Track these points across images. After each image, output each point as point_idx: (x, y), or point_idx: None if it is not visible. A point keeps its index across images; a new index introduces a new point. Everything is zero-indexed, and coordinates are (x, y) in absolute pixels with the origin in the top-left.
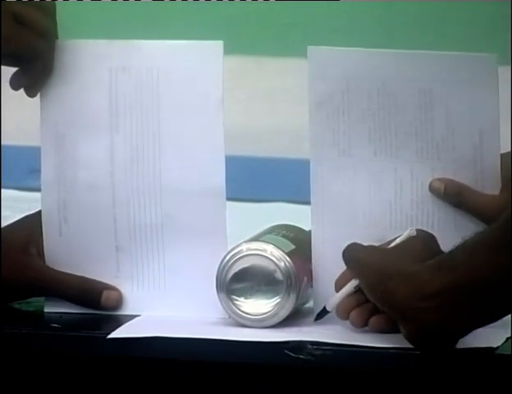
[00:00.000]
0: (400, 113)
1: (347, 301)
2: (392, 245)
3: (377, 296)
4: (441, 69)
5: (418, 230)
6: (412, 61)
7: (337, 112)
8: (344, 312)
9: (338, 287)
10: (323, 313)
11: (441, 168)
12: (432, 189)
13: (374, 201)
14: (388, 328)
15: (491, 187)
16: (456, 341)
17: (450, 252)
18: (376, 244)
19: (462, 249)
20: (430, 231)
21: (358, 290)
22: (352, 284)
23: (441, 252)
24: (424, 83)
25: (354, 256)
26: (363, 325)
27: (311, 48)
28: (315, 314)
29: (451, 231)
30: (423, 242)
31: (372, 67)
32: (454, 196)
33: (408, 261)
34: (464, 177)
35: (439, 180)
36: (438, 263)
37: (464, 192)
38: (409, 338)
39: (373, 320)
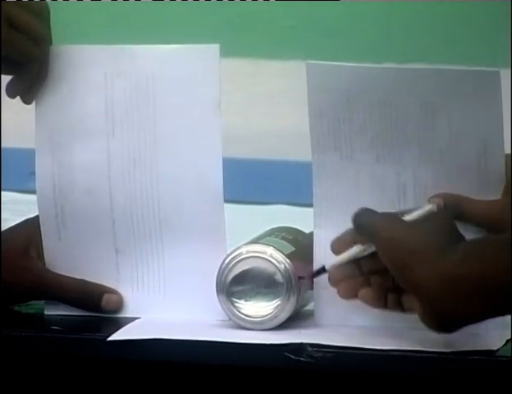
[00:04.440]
0: (402, 122)
1: (340, 270)
2: (411, 217)
3: (397, 270)
4: (444, 84)
5: (439, 207)
6: (413, 77)
7: (338, 121)
8: (335, 280)
9: (336, 248)
10: (321, 271)
11: (444, 172)
12: None
13: (377, 205)
14: (376, 303)
15: (495, 191)
16: (469, 325)
17: (480, 241)
18: None
19: (492, 241)
20: None
21: (358, 259)
22: (356, 250)
23: (458, 231)
24: (426, 97)
25: (371, 223)
26: (350, 297)
27: (309, 64)
28: (314, 271)
29: None
30: (445, 221)
31: (373, 83)
32: (454, 210)
33: (430, 238)
34: (467, 181)
35: (437, 196)
36: (466, 249)
37: (463, 203)
38: (423, 317)
39: (363, 293)
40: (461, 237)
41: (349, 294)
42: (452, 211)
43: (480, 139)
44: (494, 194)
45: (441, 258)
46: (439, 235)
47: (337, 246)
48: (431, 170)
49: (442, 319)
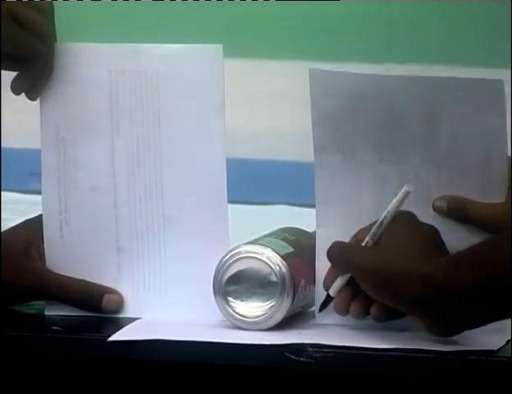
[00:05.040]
0: (405, 127)
1: (342, 296)
2: (389, 208)
3: (385, 298)
4: (447, 92)
5: (413, 222)
6: (417, 85)
7: (340, 125)
8: (342, 307)
9: (327, 286)
10: (327, 300)
11: (447, 174)
12: (435, 208)
13: (380, 204)
14: (391, 315)
15: (498, 194)
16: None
17: (468, 252)
18: None
19: (484, 249)
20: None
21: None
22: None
23: (442, 243)
24: (430, 105)
25: (346, 259)
26: (364, 316)
27: (312, 70)
28: (318, 305)
29: (456, 233)
30: (421, 235)
31: (376, 91)
32: (457, 212)
33: (410, 258)
34: (470, 183)
35: (441, 198)
36: (454, 263)
37: (468, 206)
38: (429, 330)
39: (374, 309)
40: (437, 236)
41: (362, 313)
42: (455, 214)
43: (484, 142)
44: (497, 196)
45: (430, 276)
46: (412, 249)
47: (327, 282)
48: (434, 171)
49: (442, 328)
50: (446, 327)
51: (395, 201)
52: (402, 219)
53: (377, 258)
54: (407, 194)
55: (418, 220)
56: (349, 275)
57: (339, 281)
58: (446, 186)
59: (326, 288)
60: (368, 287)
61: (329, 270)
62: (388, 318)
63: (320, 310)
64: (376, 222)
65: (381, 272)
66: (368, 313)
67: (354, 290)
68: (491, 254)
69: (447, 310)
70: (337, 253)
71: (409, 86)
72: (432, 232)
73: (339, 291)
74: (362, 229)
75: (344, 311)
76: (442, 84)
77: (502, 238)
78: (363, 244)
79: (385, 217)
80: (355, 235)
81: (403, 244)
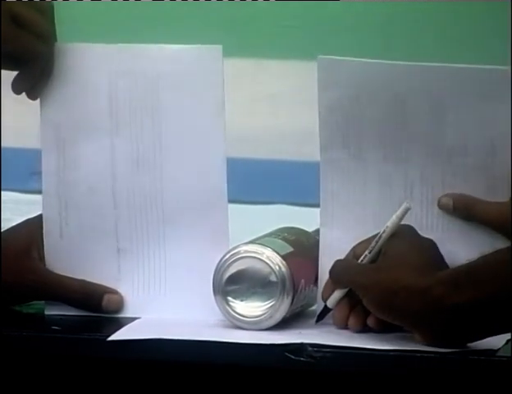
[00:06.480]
0: (411, 120)
1: (341, 310)
2: (388, 223)
3: (385, 313)
4: (453, 81)
5: (412, 236)
6: (423, 74)
7: (347, 117)
8: (341, 321)
9: (325, 298)
10: (325, 311)
11: (452, 172)
12: (440, 205)
13: (384, 203)
14: (388, 326)
15: (503, 191)
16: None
17: (467, 267)
18: None
19: (482, 265)
20: (440, 232)
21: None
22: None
23: (441, 257)
24: (436, 94)
25: (348, 277)
26: (362, 327)
27: (320, 59)
28: (317, 315)
29: (460, 232)
30: (420, 250)
31: (383, 78)
32: (463, 210)
33: (409, 273)
34: (475, 182)
35: (446, 196)
36: (453, 278)
37: (473, 204)
38: (428, 344)
39: (372, 320)
40: (436, 250)
41: (360, 325)
42: (461, 212)
43: (489, 139)
44: (502, 194)
45: (429, 294)
46: (413, 267)
47: (325, 294)
48: (438, 170)
49: (441, 342)
50: (445, 341)
51: (394, 217)
52: (401, 233)
53: (377, 275)
54: (407, 210)
55: (417, 234)
56: (347, 288)
57: (337, 294)
58: (451, 185)
59: (324, 299)
60: (370, 304)
61: (327, 282)
62: (385, 329)
63: (317, 321)
64: (375, 235)
65: (382, 289)
66: (366, 324)
67: (351, 303)
68: (490, 269)
69: (446, 324)
70: (339, 271)
71: (415, 75)
72: (432, 246)
73: (337, 304)
74: (360, 243)
75: (343, 325)
76: (449, 73)
77: (501, 253)
78: (362, 257)
79: (383, 232)
80: (353, 249)
81: (402, 258)
